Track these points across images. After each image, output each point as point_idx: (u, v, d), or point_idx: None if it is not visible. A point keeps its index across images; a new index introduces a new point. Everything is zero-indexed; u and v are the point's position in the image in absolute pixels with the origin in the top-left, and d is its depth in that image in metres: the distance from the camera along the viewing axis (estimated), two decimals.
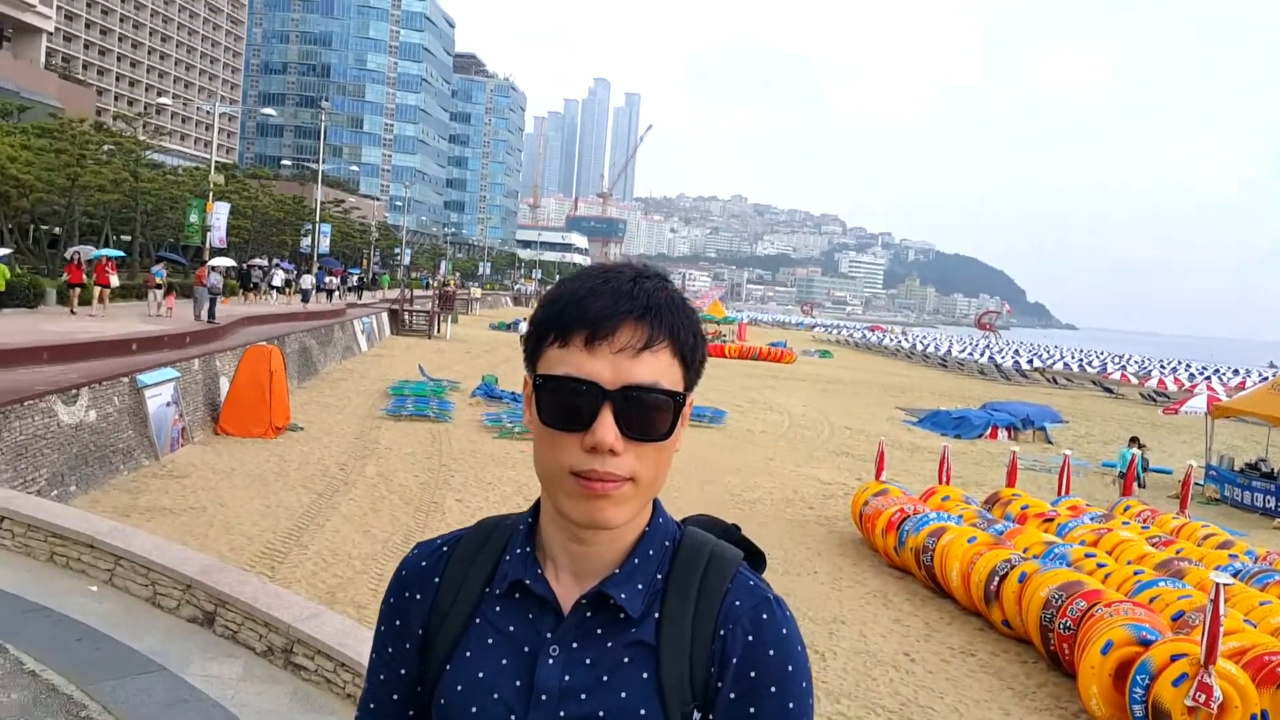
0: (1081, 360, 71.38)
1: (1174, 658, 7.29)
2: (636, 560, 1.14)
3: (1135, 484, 16.20)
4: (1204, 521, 13.46)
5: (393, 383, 24.21)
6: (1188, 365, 72.41)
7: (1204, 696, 6.95)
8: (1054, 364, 65.29)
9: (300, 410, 18.76)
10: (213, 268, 24.38)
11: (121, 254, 30.60)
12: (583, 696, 1.09)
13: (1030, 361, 62.72)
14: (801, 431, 24.31)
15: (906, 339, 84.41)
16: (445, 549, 1.24)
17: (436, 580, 1.22)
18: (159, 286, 24.73)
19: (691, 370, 1.14)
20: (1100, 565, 10.12)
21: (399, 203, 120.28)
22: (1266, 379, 52.57)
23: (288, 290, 40.31)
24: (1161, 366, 67.36)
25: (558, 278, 1.14)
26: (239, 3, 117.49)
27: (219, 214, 32.38)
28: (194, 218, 32.44)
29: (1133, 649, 7.61)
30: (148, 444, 13.55)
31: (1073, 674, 8.34)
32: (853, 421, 27.06)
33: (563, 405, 1.07)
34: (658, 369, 1.08)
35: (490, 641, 1.15)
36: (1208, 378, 51.95)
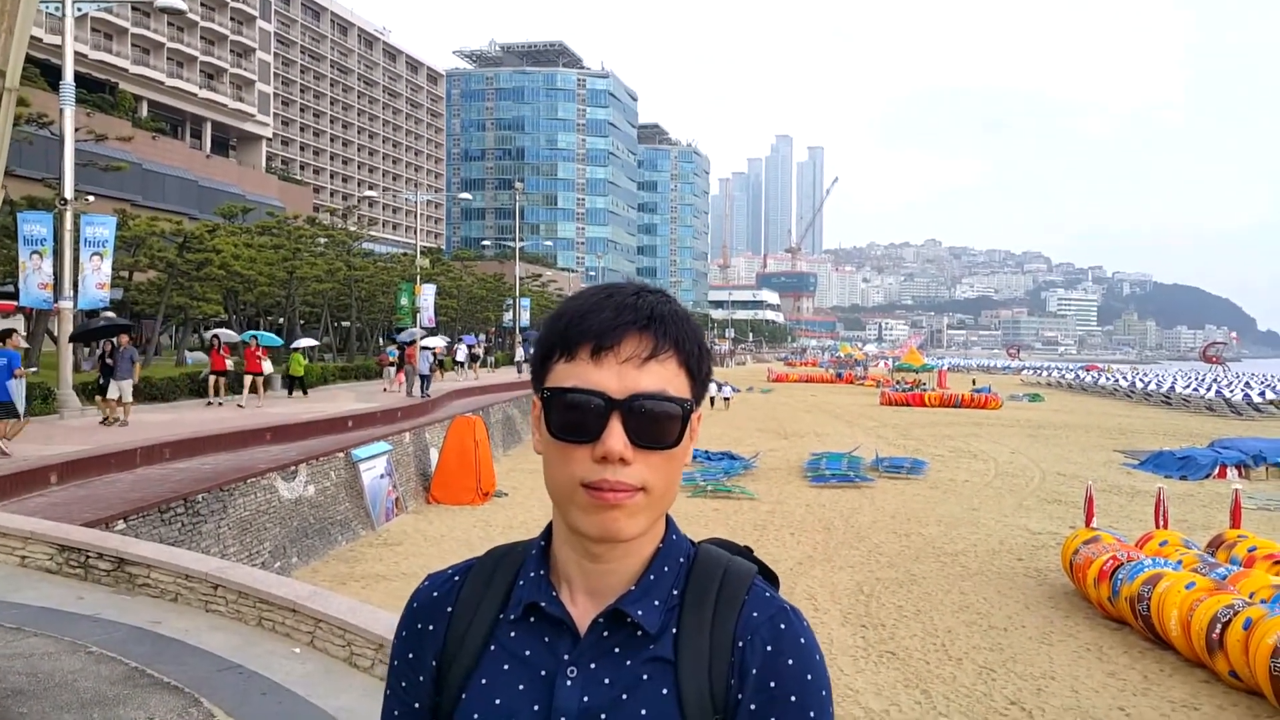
0: None
1: None
2: (652, 576, 1.14)
3: None
4: None
5: None
6: None
7: None
8: None
9: (505, 477, 19.83)
10: (424, 347, 26.37)
11: (275, 339, 28.17)
12: (603, 716, 1.08)
13: (1263, 394, 56.49)
14: (1009, 480, 23.11)
15: (1125, 378, 78.22)
16: (457, 578, 1.23)
17: (449, 609, 1.20)
18: (392, 364, 26.98)
19: (698, 381, 1.15)
20: None
21: (593, 273, 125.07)
22: None
23: (474, 365, 40.01)
24: None
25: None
26: (437, 96, 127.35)
27: (426, 296, 34.98)
28: (404, 300, 35.23)
29: None
30: (364, 515, 14.68)
31: None
32: (1066, 467, 25.42)
33: (571, 417, 1.08)
34: (664, 378, 1.10)
35: (506, 667, 1.14)
36: None
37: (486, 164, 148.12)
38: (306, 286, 37.55)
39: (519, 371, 37.45)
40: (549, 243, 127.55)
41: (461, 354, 39.41)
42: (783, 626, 1.11)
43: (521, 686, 1.12)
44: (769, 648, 1.10)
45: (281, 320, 39.45)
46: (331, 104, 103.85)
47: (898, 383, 58.51)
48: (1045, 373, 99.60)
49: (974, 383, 64.41)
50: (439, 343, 34.29)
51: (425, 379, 24.52)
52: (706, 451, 24.54)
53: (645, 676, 1.10)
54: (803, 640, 1.11)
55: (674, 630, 1.12)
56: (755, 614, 1.12)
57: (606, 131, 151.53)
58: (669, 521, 1.19)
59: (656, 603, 1.12)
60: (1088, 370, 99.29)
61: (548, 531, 1.21)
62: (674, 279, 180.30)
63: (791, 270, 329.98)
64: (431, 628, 1.21)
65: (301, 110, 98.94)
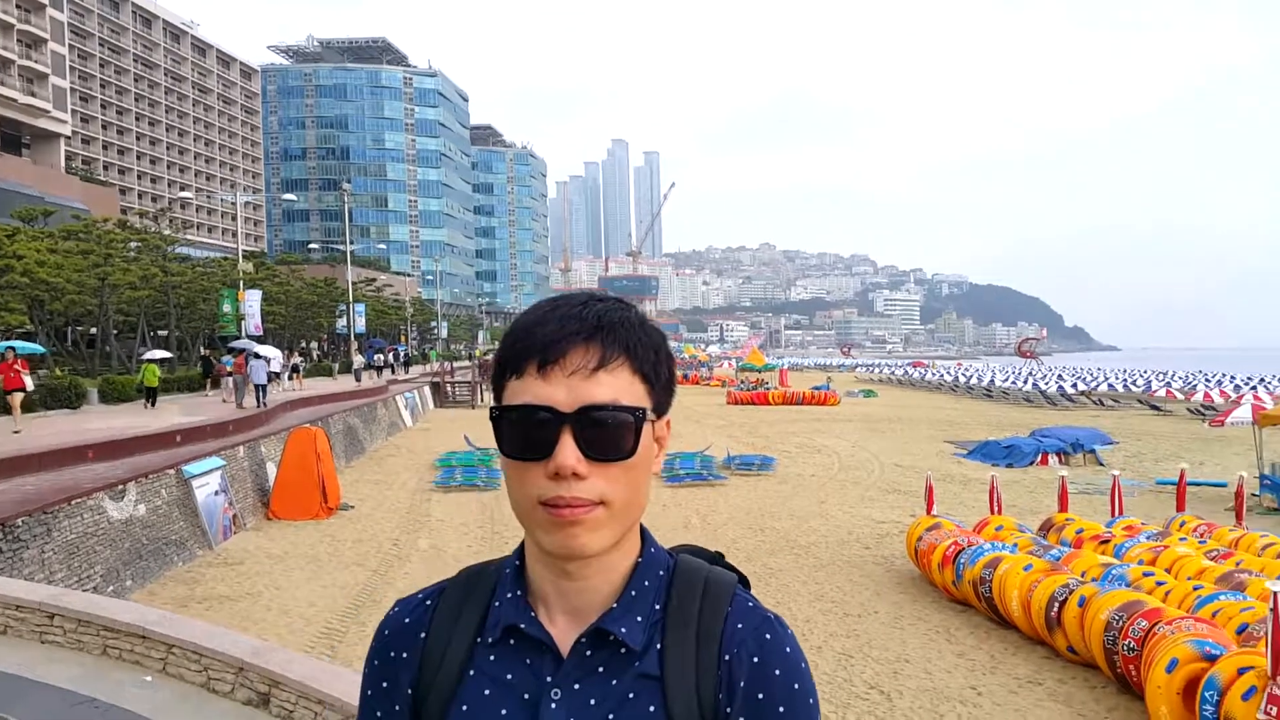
0: (1126, 380, 70.30)
1: (1241, 671, 7.28)
2: (633, 592, 1.13)
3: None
4: (1263, 531, 13.28)
5: (440, 455, 24.63)
6: (1232, 377, 70.98)
7: (1275, 709, 6.93)
8: (1098, 386, 64.32)
9: (350, 489, 19.18)
10: (258, 356, 25.16)
11: (37, 348, 25.95)
12: None
13: (1075, 385, 61.90)
14: (852, 472, 24.30)
15: (950, 373, 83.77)
16: (428, 602, 1.21)
17: (423, 635, 1.18)
18: (229, 374, 25.78)
19: (657, 387, 1.13)
20: (1159, 583, 10.08)
21: (430, 277, 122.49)
22: None
23: (297, 376, 37.92)
24: (1207, 380, 66.20)
25: None
26: (252, 93, 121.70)
27: (251, 302, 33.39)
28: (227, 307, 33.49)
29: (1198, 665, 7.61)
30: (200, 533, 13.95)
31: (1141, 695, 8.32)
32: (902, 459, 26.97)
33: (522, 434, 1.07)
34: (616, 387, 1.08)
35: (487, 692, 1.12)
36: (1253, 388, 50.97)
37: (309, 164, 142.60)
38: (120, 294, 35.13)
39: (357, 380, 36.27)
40: (382, 246, 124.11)
41: (276, 364, 37.32)
42: (768, 636, 1.12)
43: (504, 711, 1.10)
44: (755, 659, 1.10)
45: (94, 330, 36.72)
46: (137, 100, 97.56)
47: (742, 382, 60.30)
48: (877, 370, 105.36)
49: (829, 380, 67.37)
50: (273, 352, 32.76)
51: (261, 389, 23.41)
52: None
53: (632, 695, 1.09)
54: (788, 649, 1.12)
55: (659, 646, 1.11)
56: (740, 625, 1.12)
57: (437, 132, 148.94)
58: (645, 534, 1.18)
59: (639, 618, 1.11)
60: (915, 366, 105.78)
61: (521, 550, 1.19)
62: (515, 283, 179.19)
63: (633, 274, 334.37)
64: (405, 655, 1.18)
65: (104, 107, 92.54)
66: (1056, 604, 9.88)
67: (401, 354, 57.84)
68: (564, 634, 1.12)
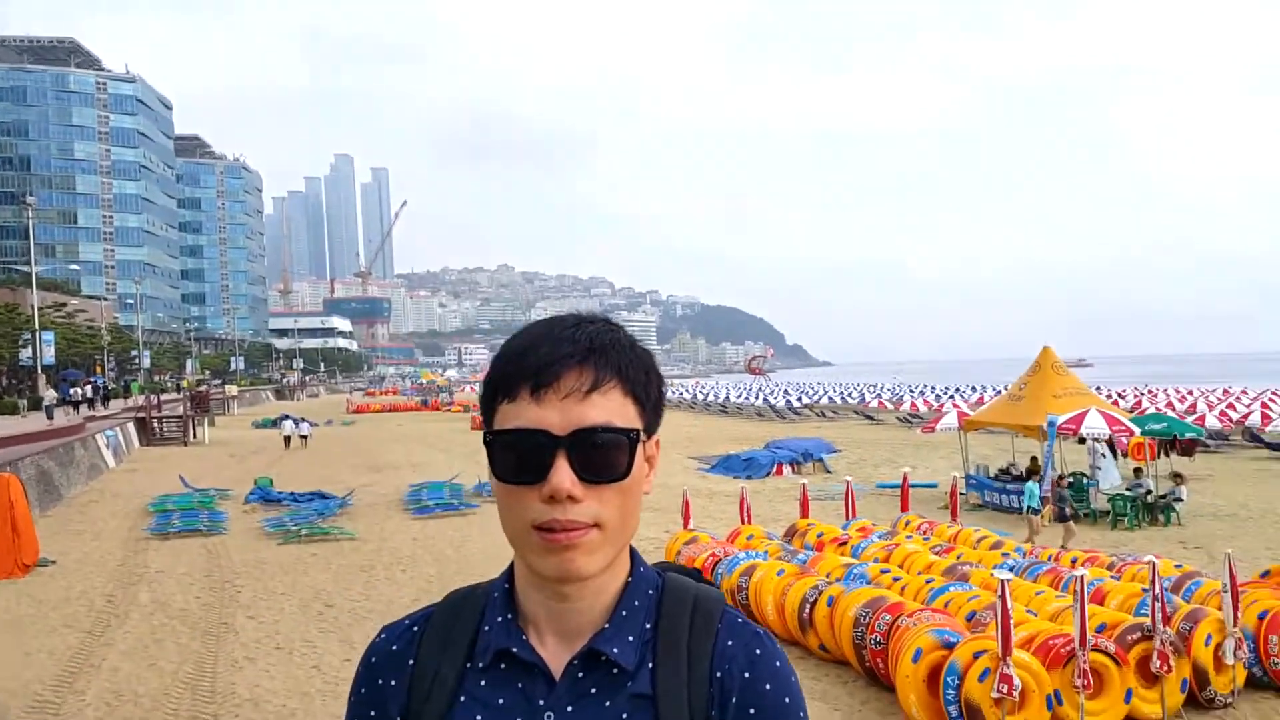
0: (843, 393, 77.12)
1: (976, 655, 8.09)
2: (624, 612, 1.14)
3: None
4: (975, 526, 14.97)
5: (153, 498, 22.35)
6: (933, 387, 79.88)
7: (1006, 687, 7.76)
8: (820, 399, 70.14)
9: (49, 542, 16.91)
10: None
11: None
12: None
13: (800, 399, 66.99)
14: None
15: (688, 390, 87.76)
16: (415, 628, 1.21)
17: (411, 662, 1.18)
18: None
19: (648, 408, 1.15)
20: (896, 579, 11.05)
21: (129, 301, 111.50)
22: (999, 392, 59.19)
23: None
24: (911, 391, 73.97)
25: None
26: None
27: None
28: None
29: (939, 653, 8.37)
30: None
31: (891, 686, 9.03)
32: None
33: (516, 458, 1.07)
34: (609, 409, 1.09)
35: (479, 718, 1.12)
36: (951, 396, 57.69)
37: None
38: None
39: (49, 418, 32.16)
40: (73, 267, 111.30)
41: None
42: (758, 652, 1.14)
43: None
44: (746, 674, 1.13)
45: None
46: None
47: None
48: None
49: None
50: None
51: None
52: (293, 493, 23.06)
53: (625, 715, 1.10)
54: (778, 664, 1.15)
55: (650, 665, 1.12)
56: (730, 643, 1.15)
57: (136, 142, 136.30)
58: (634, 554, 1.20)
59: (631, 638, 1.12)
60: None
61: (509, 573, 1.19)
62: (227, 306, 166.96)
63: (363, 295, 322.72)
64: (394, 682, 1.17)
65: None
66: (808, 605, 10.53)
67: (100, 387, 52.07)
68: (555, 656, 1.13)
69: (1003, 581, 7.86)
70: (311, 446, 40.68)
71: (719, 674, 1.13)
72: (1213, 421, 35.34)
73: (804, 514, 15.00)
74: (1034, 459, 21.71)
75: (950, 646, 8.37)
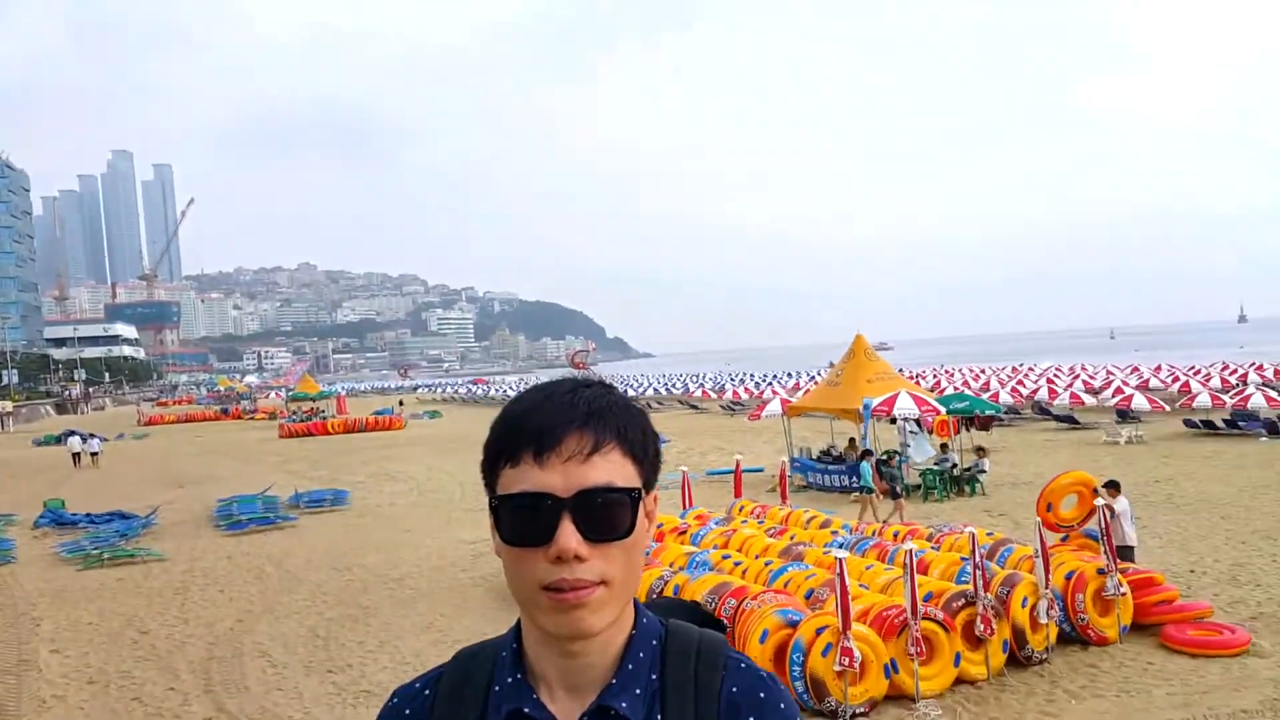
0: (667, 384, 78.79)
1: (819, 631, 8.50)
2: (630, 666, 1.17)
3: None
4: (803, 507, 15.67)
5: None
6: (752, 375, 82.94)
7: (847, 660, 8.20)
8: (645, 390, 71.34)
9: None
10: None
11: None
12: None
13: (625, 392, 67.82)
14: (431, 496, 24.18)
15: (513, 388, 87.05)
16: (426, 691, 1.25)
17: None
18: None
19: (646, 466, 1.19)
20: (737, 563, 11.43)
21: None
22: (814, 378, 62.17)
23: None
24: (731, 379, 76.54)
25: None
26: None
27: None
28: None
29: (785, 631, 8.73)
30: None
31: None
32: (480, 477, 27.40)
33: (522, 522, 1.11)
34: (609, 470, 1.13)
35: None
36: (770, 384, 60.05)
37: None
38: None
39: None
40: None
41: None
42: (762, 695, 1.17)
43: None
44: (751, 719, 1.16)
45: None
46: None
47: (294, 413, 57.12)
48: (439, 390, 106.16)
49: (402, 403, 65.78)
50: None
51: None
52: (90, 515, 21.32)
53: None
54: (782, 705, 1.18)
55: (658, 717, 1.16)
56: (735, 689, 1.17)
57: None
58: (637, 606, 1.23)
59: (638, 691, 1.16)
60: (476, 384, 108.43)
61: (517, 632, 1.22)
62: None
63: (149, 299, 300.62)
64: None
65: None
66: (654, 595, 10.72)
67: None
68: (566, 711, 1.16)
69: (839, 560, 8.29)
70: (104, 464, 37.68)
71: None
72: (1006, 397, 38.48)
73: None
74: (851, 440, 22.97)
75: (794, 625, 8.75)
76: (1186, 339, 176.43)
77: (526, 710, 1.15)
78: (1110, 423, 31.40)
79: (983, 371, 60.86)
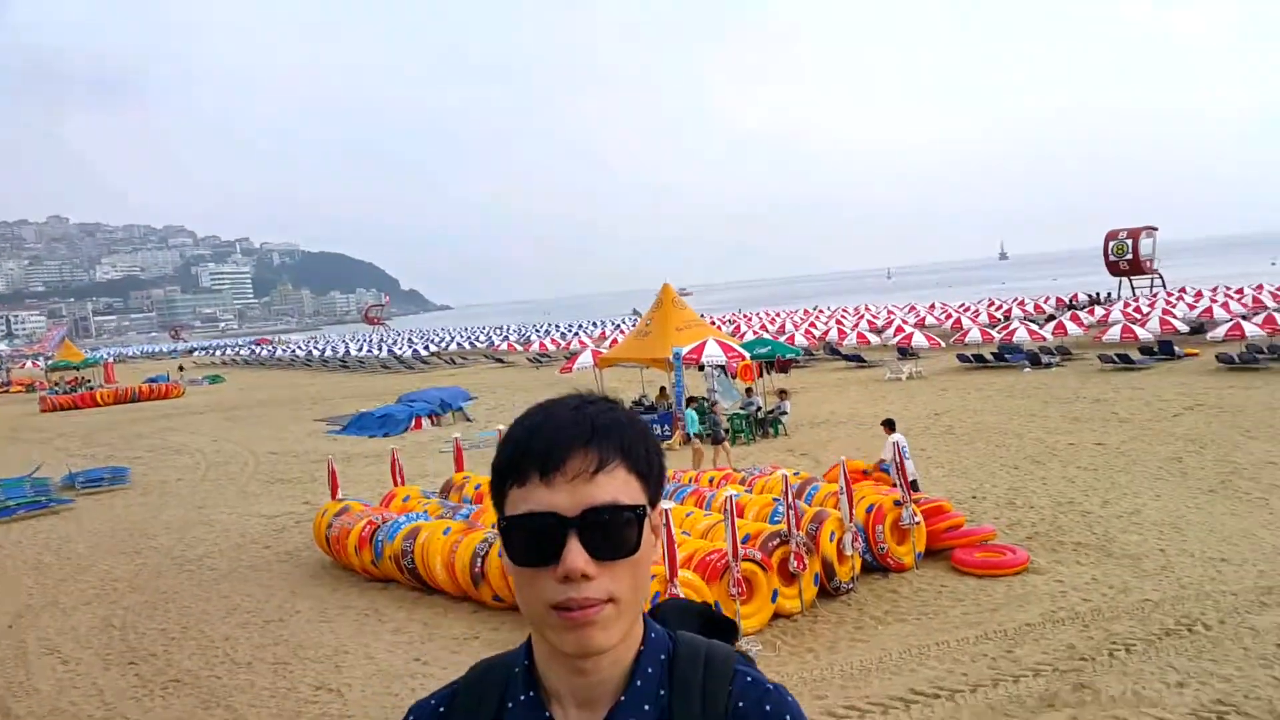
0: (470, 337, 77.75)
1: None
2: (639, 682, 1.20)
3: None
4: None
5: None
6: (557, 326, 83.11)
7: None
8: (448, 345, 70.11)
9: None
10: None
11: None
12: None
13: (426, 347, 66.43)
14: (223, 469, 22.90)
15: (301, 347, 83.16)
16: (442, 709, 1.28)
17: None
18: None
19: (651, 481, 1.21)
20: None
21: None
22: (620, 326, 63.13)
23: None
24: (536, 331, 76.45)
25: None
26: None
27: None
28: None
29: None
30: None
31: None
32: (275, 445, 26.23)
33: (530, 542, 1.13)
34: (614, 488, 1.15)
35: None
36: (576, 334, 60.44)
37: None
38: None
39: None
40: None
41: None
42: (768, 708, 1.20)
43: None
44: None
45: None
46: None
47: (56, 384, 52.32)
48: (218, 352, 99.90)
49: (182, 369, 61.23)
50: None
51: None
52: None
53: None
54: (789, 717, 1.21)
55: None
56: (741, 704, 1.20)
57: None
58: (645, 619, 1.25)
59: (647, 707, 1.19)
60: (259, 344, 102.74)
61: (528, 649, 1.25)
62: None
63: None
64: None
65: None
66: (479, 559, 10.73)
67: None
68: None
69: (665, 511, 8.59)
70: None
71: None
72: (801, 340, 40.56)
73: (459, 467, 15.10)
74: (662, 389, 23.61)
75: None
76: (955, 277, 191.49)
77: None
78: (893, 360, 33.81)
79: (777, 315, 63.75)
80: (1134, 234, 49.49)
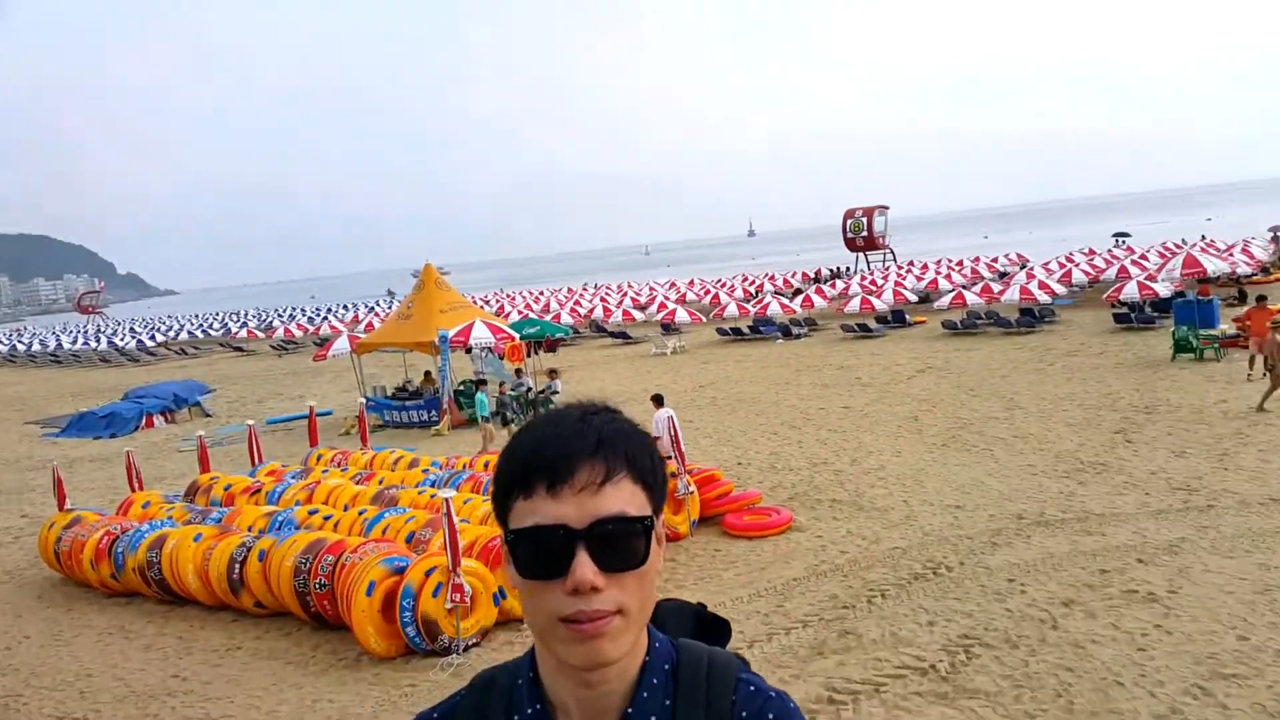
0: (203, 325, 72.54)
1: (428, 573, 8.69)
2: (645, 694, 1.20)
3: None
4: (388, 448, 15.62)
5: None
6: (303, 310, 79.26)
7: (459, 596, 8.51)
8: (178, 335, 65.06)
9: None
10: None
11: None
12: None
13: (152, 337, 61.37)
14: None
15: (3, 341, 74.37)
16: None
17: None
18: None
19: (655, 492, 1.21)
20: (327, 518, 11.16)
21: None
22: (375, 309, 61.08)
23: None
24: (279, 315, 72.52)
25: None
26: None
27: None
28: None
29: (393, 580, 8.80)
30: None
31: (341, 625, 9.24)
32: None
33: (537, 555, 1.13)
34: (621, 499, 1.15)
35: None
36: (325, 318, 57.93)
37: None
38: None
39: None
40: None
41: None
42: (771, 717, 1.22)
43: None
44: None
45: None
46: None
47: None
48: None
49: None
50: None
51: None
52: None
53: None
54: None
55: None
56: (745, 714, 1.22)
57: None
58: (649, 629, 1.25)
59: (654, 718, 1.20)
60: None
61: (532, 660, 1.25)
62: None
63: None
64: None
65: None
66: (237, 565, 10.16)
67: None
68: None
69: (446, 500, 8.49)
70: None
71: None
72: (567, 318, 41.01)
73: (204, 468, 14.18)
74: (428, 374, 23.15)
75: (402, 571, 8.84)
76: (709, 253, 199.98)
77: None
78: (658, 335, 34.95)
79: (541, 294, 63.99)
80: (869, 212, 53.63)
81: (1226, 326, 21.29)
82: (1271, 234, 47.53)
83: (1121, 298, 27.46)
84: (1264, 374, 15.39)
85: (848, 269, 55.64)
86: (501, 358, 23.56)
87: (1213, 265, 29.27)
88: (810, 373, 24.09)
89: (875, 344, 28.74)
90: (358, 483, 12.91)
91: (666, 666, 1.24)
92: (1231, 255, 33.34)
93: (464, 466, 13.36)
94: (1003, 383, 19.82)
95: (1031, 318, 28.24)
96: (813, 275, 55.31)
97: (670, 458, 12.12)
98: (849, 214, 54.14)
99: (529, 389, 20.99)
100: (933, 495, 12.10)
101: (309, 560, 9.60)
